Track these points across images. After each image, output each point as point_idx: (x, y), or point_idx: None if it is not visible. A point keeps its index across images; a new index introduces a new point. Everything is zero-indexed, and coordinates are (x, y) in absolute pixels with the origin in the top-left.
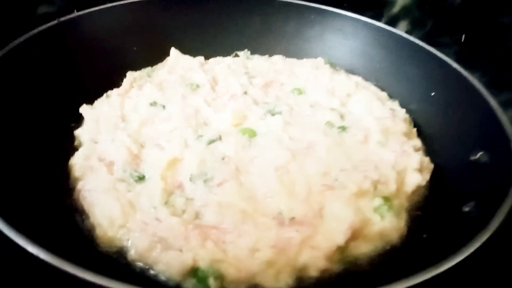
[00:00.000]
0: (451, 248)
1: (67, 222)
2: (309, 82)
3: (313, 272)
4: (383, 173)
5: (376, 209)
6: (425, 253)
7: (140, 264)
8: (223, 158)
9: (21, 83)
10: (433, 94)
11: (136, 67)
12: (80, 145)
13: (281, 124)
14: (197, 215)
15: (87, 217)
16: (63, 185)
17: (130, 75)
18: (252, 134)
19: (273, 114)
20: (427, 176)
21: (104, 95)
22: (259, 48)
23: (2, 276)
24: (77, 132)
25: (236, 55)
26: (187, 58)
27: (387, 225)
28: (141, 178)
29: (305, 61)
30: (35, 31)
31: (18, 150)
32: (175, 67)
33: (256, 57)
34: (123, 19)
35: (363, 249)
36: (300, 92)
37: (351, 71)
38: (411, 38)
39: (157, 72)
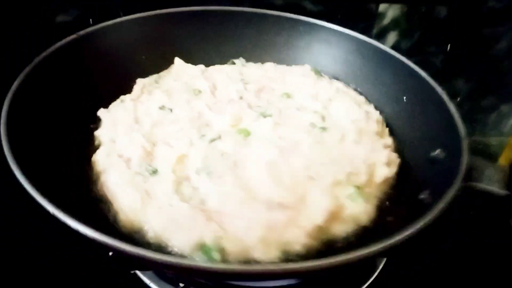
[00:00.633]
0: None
1: (93, 209)
2: (296, 87)
3: (297, 247)
4: (356, 166)
5: (349, 196)
6: (389, 232)
7: (157, 242)
8: (222, 155)
9: (47, 92)
10: (405, 98)
11: (145, 74)
12: (100, 144)
13: (271, 125)
14: (202, 202)
15: (111, 204)
16: (88, 178)
17: (140, 82)
18: (247, 134)
19: (264, 116)
20: (394, 169)
21: (119, 100)
22: (253, 56)
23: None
24: (97, 133)
25: (233, 63)
26: (190, 66)
27: (359, 209)
28: (154, 172)
29: (294, 67)
30: (55, 46)
31: (49, 148)
32: (180, 75)
33: (251, 64)
34: (133, 32)
35: (339, 229)
36: (288, 96)
37: (334, 77)
38: (388, 50)
39: (163, 79)
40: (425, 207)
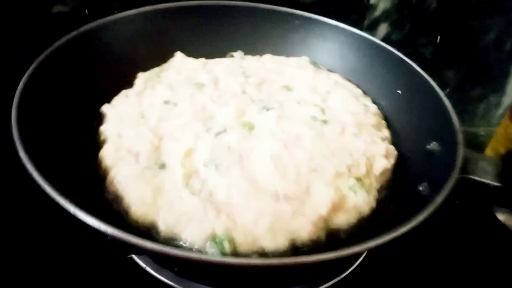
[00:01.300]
0: (408, 219)
1: (104, 205)
2: (295, 80)
3: (304, 235)
4: (355, 159)
5: (350, 187)
6: (389, 223)
7: (168, 235)
8: (229, 148)
9: (49, 92)
10: (399, 91)
11: (145, 68)
12: (105, 139)
13: (274, 118)
14: (211, 194)
15: (122, 199)
16: (96, 174)
17: (141, 76)
18: (251, 127)
19: (267, 110)
20: (392, 161)
21: (122, 94)
22: (251, 49)
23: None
24: (102, 128)
25: (231, 56)
26: (191, 60)
27: (360, 200)
28: (163, 166)
29: (291, 59)
30: (55, 45)
31: (56, 146)
32: (181, 69)
33: (249, 57)
34: (132, 27)
35: (342, 219)
36: (288, 89)
37: (331, 70)
38: (382, 43)
39: (165, 73)
40: (423, 199)
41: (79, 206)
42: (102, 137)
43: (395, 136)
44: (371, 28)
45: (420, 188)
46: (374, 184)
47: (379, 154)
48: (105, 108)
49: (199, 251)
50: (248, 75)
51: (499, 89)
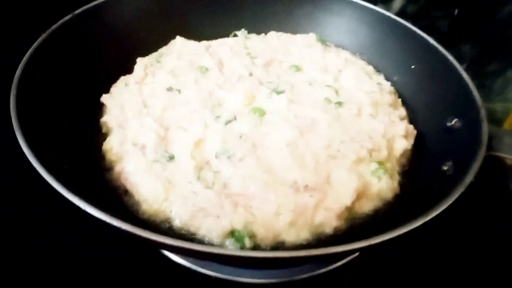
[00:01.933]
0: (435, 201)
1: (113, 199)
2: (304, 60)
3: (328, 230)
4: (376, 142)
5: (373, 173)
6: (415, 207)
7: (184, 231)
8: (240, 136)
9: (45, 81)
10: (413, 67)
11: (143, 52)
12: (108, 131)
13: (285, 102)
14: (225, 186)
15: (131, 195)
16: (101, 167)
17: (141, 61)
18: (261, 113)
19: (277, 93)
20: (411, 141)
21: (121, 82)
22: (255, 27)
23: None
24: (104, 120)
25: (235, 35)
26: (192, 43)
27: (384, 185)
28: (171, 158)
29: (298, 36)
30: (51, 29)
31: (58, 140)
32: (183, 53)
33: (253, 36)
34: (130, 8)
35: (366, 207)
36: (297, 69)
37: (339, 46)
38: (392, 16)
39: (165, 58)
40: (449, 179)
41: (89, 202)
42: (104, 129)
43: (412, 114)
44: (386, 1)
45: (445, 168)
46: (396, 167)
47: (399, 135)
48: (105, 99)
49: (219, 245)
50: (254, 55)
51: None
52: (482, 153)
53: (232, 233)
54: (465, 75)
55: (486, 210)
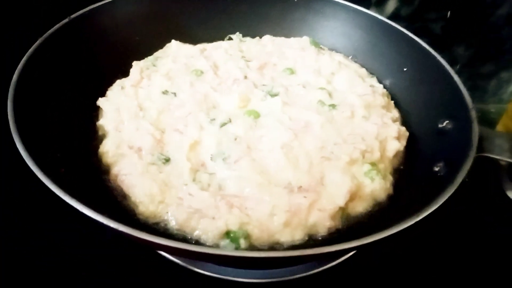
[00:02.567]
0: (427, 201)
1: (109, 203)
2: (298, 62)
3: (322, 230)
4: (369, 144)
5: (366, 174)
6: (408, 207)
7: (181, 232)
8: (235, 139)
9: (42, 84)
10: (405, 69)
11: (139, 55)
12: (104, 134)
13: (280, 105)
14: (220, 187)
15: (128, 197)
16: (97, 170)
17: (136, 64)
18: (256, 115)
19: (272, 96)
20: (404, 142)
21: (117, 86)
22: (249, 30)
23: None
24: (100, 123)
25: (230, 38)
26: (188, 46)
27: (377, 186)
28: (167, 160)
29: (292, 40)
30: (48, 32)
31: (55, 143)
32: (178, 56)
33: (248, 39)
34: (125, 11)
35: (359, 207)
36: (291, 72)
37: (332, 49)
38: (385, 19)
39: (161, 61)
40: (440, 180)
41: (86, 204)
42: (100, 132)
43: (404, 116)
44: (380, 4)
45: (436, 168)
46: (389, 168)
47: (391, 136)
48: (101, 102)
49: (214, 246)
50: (249, 59)
51: (511, 65)
52: (472, 154)
53: (227, 234)
54: (456, 78)
55: (479, 210)
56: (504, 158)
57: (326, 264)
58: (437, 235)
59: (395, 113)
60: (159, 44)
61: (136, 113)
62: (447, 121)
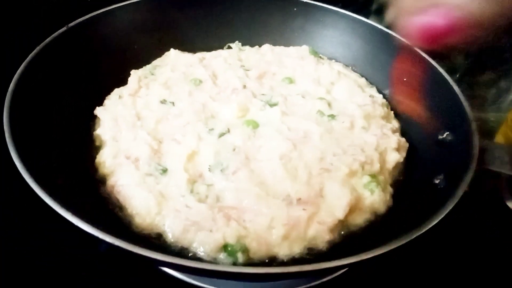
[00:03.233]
0: (427, 215)
1: (105, 214)
2: (297, 72)
3: (320, 243)
4: (368, 155)
5: (365, 186)
6: (408, 220)
7: (178, 245)
8: (234, 149)
9: (40, 93)
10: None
11: (137, 64)
12: (101, 144)
13: (279, 115)
14: (218, 199)
15: (125, 208)
16: (94, 180)
17: (135, 73)
18: (255, 125)
19: (271, 106)
20: (403, 154)
21: (114, 95)
22: (249, 39)
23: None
24: (98, 133)
25: (229, 47)
26: (186, 55)
27: (376, 198)
28: (165, 171)
29: (291, 49)
30: (46, 40)
31: (51, 152)
32: (176, 65)
33: (247, 48)
34: (124, 20)
35: (359, 220)
36: (290, 81)
37: (332, 58)
38: (384, 29)
39: (159, 70)
40: (441, 193)
41: (82, 216)
42: (97, 141)
43: (404, 127)
44: (379, 12)
45: (436, 181)
46: (389, 179)
47: (391, 148)
48: (98, 111)
49: (211, 261)
50: (248, 68)
51: (510, 74)
52: (473, 167)
53: (225, 247)
54: (456, 88)
55: (479, 220)
56: (504, 171)
57: (324, 277)
58: (436, 245)
59: (395, 124)
60: (158, 52)
61: (133, 123)
62: (447, 133)
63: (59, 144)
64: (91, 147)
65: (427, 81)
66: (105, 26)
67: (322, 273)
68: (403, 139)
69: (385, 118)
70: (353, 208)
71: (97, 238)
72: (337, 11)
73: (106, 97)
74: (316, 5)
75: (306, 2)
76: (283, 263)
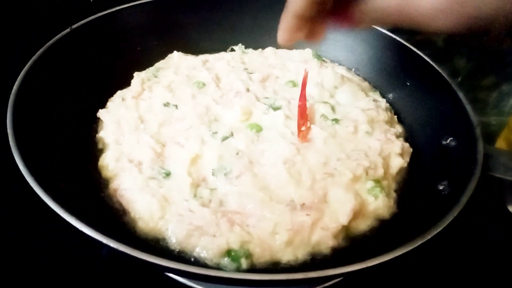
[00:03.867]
0: (431, 222)
1: (108, 218)
2: (300, 75)
3: (324, 249)
4: (372, 160)
5: (369, 191)
6: (412, 226)
7: (181, 249)
8: (237, 153)
9: (42, 95)
10: (408, 84)
11: (140, 66)
12: (104, 147)
13: (282, 118)
14: (221, 203)
15: (128, 212)
16: (96, 183)
17: (138, 76)
18: (258, 129)
19: (274, 109)
20: (407, 159)
21: (117, 97)
22: (252, 41)
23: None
24: (100, 135)
25: (232, 50)
26: (190, 58)
27: (380, 204)
28: (168, 174)
29: (294, 52)
30: (49, 42)
31: (54, 155)
32: (180, 68)
33: (250, 51)
34: (127, 22)
35: (362, 225)
36: (294, 85)
37: (335, 62)
38: (388, 33)
39: (162, 73)
40: (445, 199)
41: (85, 220)
42: (100, 144)
43: (407, 131)
44: None
45: (440, 187)
46: (392, 185)
47: (395, 153)
48: (101, 113)
49: (215, 267)
50: (251, 71)
51: None
52: (477, 174)
53: (228, 253)
54: (460, 94)
55: (481, 225)
56: (509, 178)
57: (327, 283)
58: (438, 247)
59: (399, 128)
60: (161, 55)
61: (136, 126)
62: (451, 138)
63: (61, 146)
64: (94, 150)
65: (430, 85)
66: (108, 28)
67: (325, 279)
68: (407, 144)
69: (389, 122)
70: (357, 214)
71: (100, 242)
72: None
73: (109, 99)
74: None
75: None
76: (286, 269)
